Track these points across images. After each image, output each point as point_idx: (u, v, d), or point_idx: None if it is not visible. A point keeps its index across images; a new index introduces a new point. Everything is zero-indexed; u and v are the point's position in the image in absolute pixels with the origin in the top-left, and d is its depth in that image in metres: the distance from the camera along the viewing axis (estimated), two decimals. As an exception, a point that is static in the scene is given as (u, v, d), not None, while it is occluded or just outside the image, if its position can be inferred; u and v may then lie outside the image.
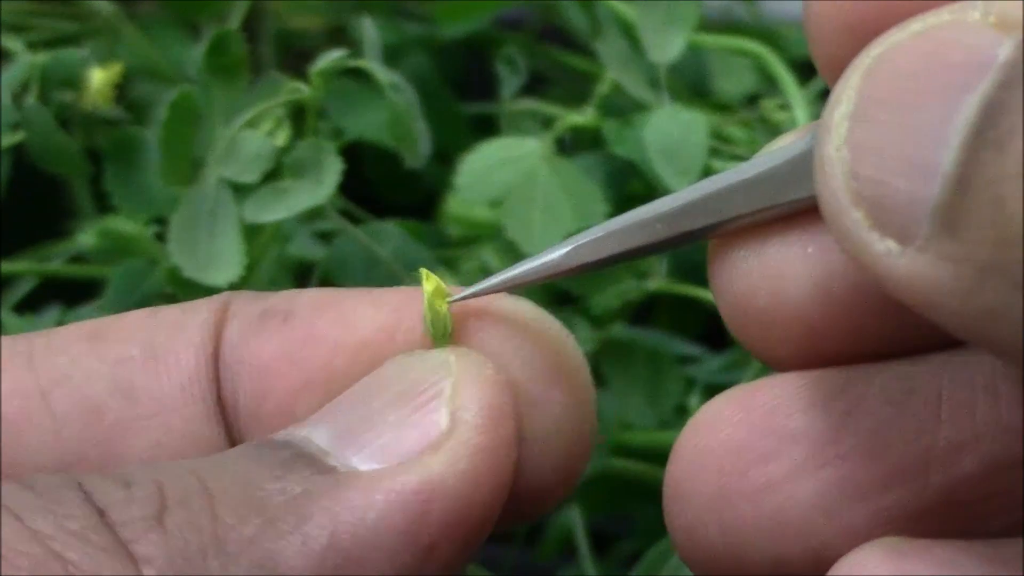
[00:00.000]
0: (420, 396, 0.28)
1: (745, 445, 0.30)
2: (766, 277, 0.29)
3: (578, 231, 0.43)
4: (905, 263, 0.24)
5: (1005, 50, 0.24)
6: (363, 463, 0.27)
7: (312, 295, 0.31)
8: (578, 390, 0.30)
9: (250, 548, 0.26)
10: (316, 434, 0.28)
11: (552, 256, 0.29)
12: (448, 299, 0.29)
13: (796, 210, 0.28)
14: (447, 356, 0.28)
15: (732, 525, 0.30)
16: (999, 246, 0.23)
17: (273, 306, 0.30)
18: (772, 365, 0.31)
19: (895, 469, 0.29)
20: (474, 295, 0.29)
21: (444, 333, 0.29)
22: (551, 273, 0.29)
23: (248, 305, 0.30)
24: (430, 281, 0.29)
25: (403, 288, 0.30)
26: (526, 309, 0.30)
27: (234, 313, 0.30)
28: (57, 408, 0.29)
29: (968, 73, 0.24)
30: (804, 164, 0.28)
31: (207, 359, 0.30)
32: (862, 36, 0.26)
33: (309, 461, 0.27)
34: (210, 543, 0.26)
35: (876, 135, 0.25)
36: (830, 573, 0.29)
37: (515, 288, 0.30)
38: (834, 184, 0.25)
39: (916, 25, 0.25)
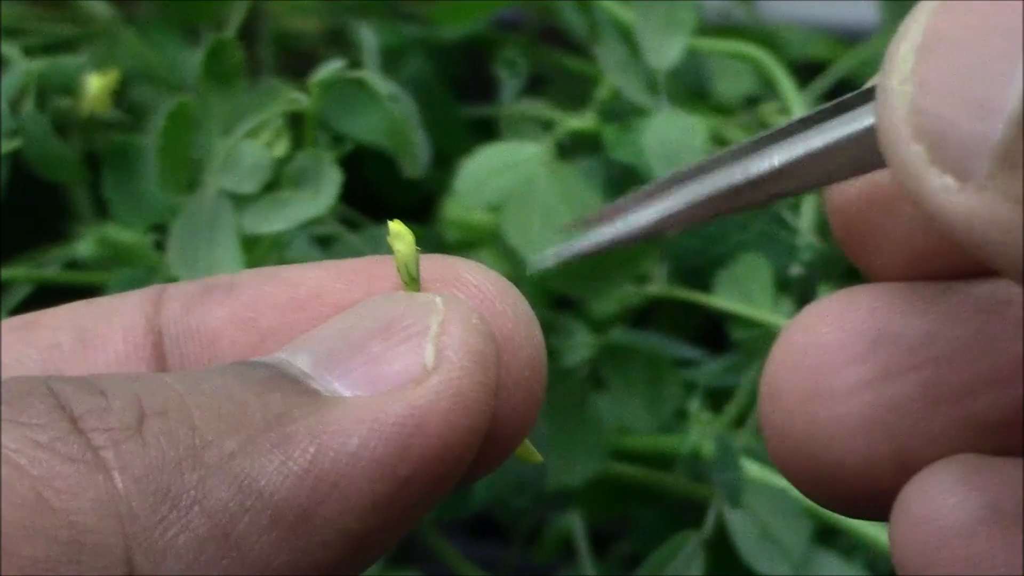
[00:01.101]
0: (405, 330, 0.28)
1: (840, 344, 0.30)
2: (876, 201, 0.30)
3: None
4: (963, 200, 0.24)
5: None
6: (346, 389, 0.27)
7: (253, 270, 0.31)
8: (535, 343, 0.30)
9: (229, 463, 0.26)
10: (296, 358, 0.28)
11: (640, 222, 0.29)
12: (549, 259, 0.30)
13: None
14: (433, 297, 0.28)
15: (822, 424, 0.30)
16: None
17: (215, 281, 0.30)
18: (877, 276, 0.31)
19: (986, 376, 0.29)
20: (577, 253, 0.29)
21: (413, 278, 0.29)
22: (653, 232, 0.29)
23: (186, 286, 0.31)
24: (396, 225, 0.29)
25: (349, 259, 0.31)
26: (491, 275, 0.30)
27: (172, 294, 0.30)
28: None
29: None
30: None
31: (139, 340, 0.30)
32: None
33: (291, 381, 0.27)
34: (187, 455, 0.26)
35: (942, 70, 0.25)
36: (905, 488, 0.29)
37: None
38: (895, 117, 0.25)
39: None
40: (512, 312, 0.29)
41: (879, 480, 0.30)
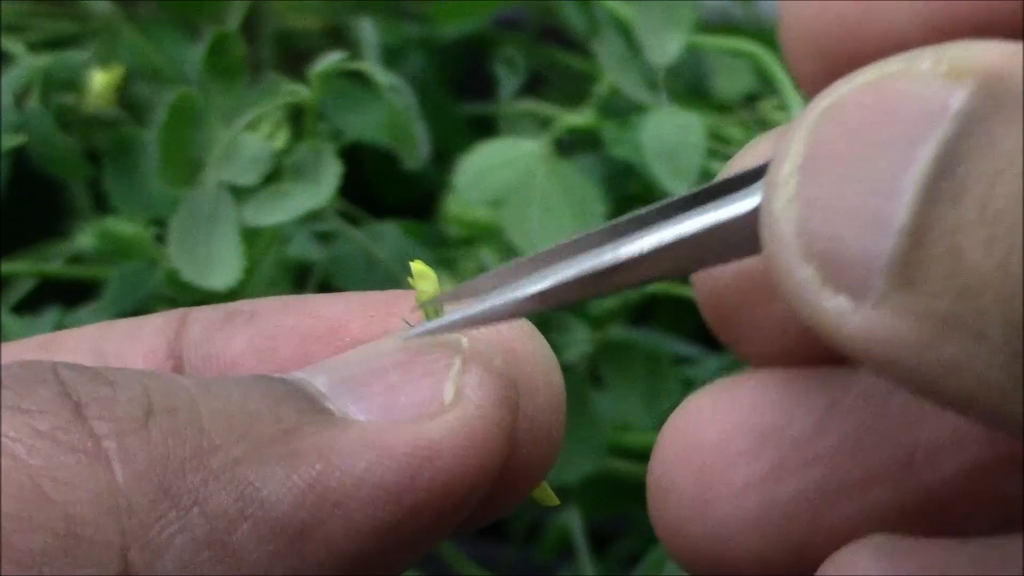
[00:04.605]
0: (427, 365, 0.28)
1: (726, 442, 0.30)
2: (747, 283, 0.29)
3: (576, 229, 0.44)
4: (859, 319, 0.24)
5: (958, 99, 0.23)
6: (360, 413, 0.27)
7: (276, 298, 0.31)
8: (554, 387, 0.30)
9: (234, 469, 0.26)
10: (315, 379, 0.28)
11: (517, 296, 0.28)
12: (407, 335, 0.29)
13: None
14: (458, 336, 0.28)
15: (714, 523, 0.30)
16: (959, 297, 0.23)
17: (237, 308, 0.30)
18: (754, 363, 0.31)
19: (876, 469, 0.29)
20: (432, 331, 0.29)
21: (435, 314, 0.29)
22: (513, 314, 0.28)
23: (208, 311, 0.31)
24: (419, 265, 0.30)
25: (371, 292, 0.31)
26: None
27: (195, 319, 0.30)
28: None
29: (920, 124, 0.23)
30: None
31: (160, 364, 0.30)
32: (837, 57, 0.26)
33: (306, 399, 0.27)
34: (193, 456, 0.26)
35: (826, 189, 0.24)
36: (819, 572, 0.29)
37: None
38: (783, 240, 0.25)
39: (864, 76, 0.24)
40: (532, 355, 0.29)
41: (781, 572, 0.29)
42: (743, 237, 0.26)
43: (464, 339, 0.28)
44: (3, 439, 0.25)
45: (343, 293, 0.31)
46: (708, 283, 0.30)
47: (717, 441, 0.30)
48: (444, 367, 0.28)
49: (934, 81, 0.24)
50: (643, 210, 0.27)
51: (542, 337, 0.30)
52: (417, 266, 0.29)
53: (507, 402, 0.28)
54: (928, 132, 0.23)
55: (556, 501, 0.31)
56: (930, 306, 0.23)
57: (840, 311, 0.24)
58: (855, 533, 0.29)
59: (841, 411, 0.29)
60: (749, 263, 0.28)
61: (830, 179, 0.24)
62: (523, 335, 0.29)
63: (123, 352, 0.30)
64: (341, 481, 0.26)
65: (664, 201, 0.27)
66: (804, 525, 0.29)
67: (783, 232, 0.25)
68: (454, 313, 0.29)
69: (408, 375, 0.28)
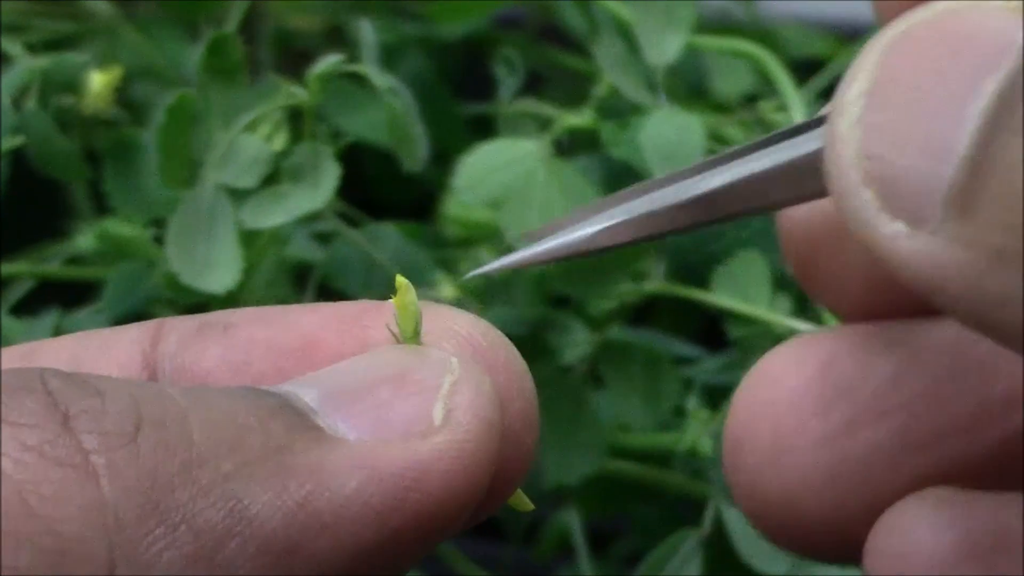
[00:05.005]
0: (417, 384, 0.28)
1: (802, 396, 0.30)
2: (828, 232, 0.30)
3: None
4: (915, 246, 0.24)
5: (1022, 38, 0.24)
6: (350, 431, 0.27)
7: (251, 309, 0.31)
8: (527, 396, 0.30)
9: (223, 485, 0.25)
10: (304, 392, 0.28)
11: (576, 236, 0.29)
12: (476, 272, 0.29)
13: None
14: (448, 356, 0.28)
15: (788, 476, 0.30)
16: (1013, 230, 0.23)
17: (212, 319, 0.30)
18: (836, 315, 0.31)
19: (952, 421, 0.29)
20: (500, 268, 0.29)
21: (415, 332, 0.29)
22: (572, 254, 0.29)
23: (184, 322, 0.30)
24: (400, 278, 0.29)
25: (344, 303, 0.30)
26: (484, 327, 0.30)
27: (170, 329, 0.30)
28: None
29: (987, 57, 0.24)
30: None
31: (135, 375, 0.30)
32: None
33: (297, 414, 0.27)
34: (181, 471, 0.25)
35: (891, 114, 0.25)
36: (878, 522, 0.29)
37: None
38: (845, 162, 0.25)
39: (937, 7, 0.25)
40: (504, 365, 0.29)
41: (852, 528, 0.30)
42: (817, 175, 0.26)
43: (454, 358, 0.28)
44: None
45: (318, 304, 0.30)
46: (793, 233, 0.30)
47: (793, 394, 0.30)
48: (434, 386, 0.28)
49: (1002, 17, 0.24)
50: (724, 151, 0.28)
51: (512, 345, 0.30)
52: (398, 280, 0.29)
53: (495, 426, 0.28)
54: (994, 65, 0.24)
55: (530, 506, 0.31)
56: (984, 236, 0.24)
57: (896, 236, 0.25)
58: (928, 486, 0.29)
59: (917, 365, 0.29)
60: (828, 207, 0.28)
61: (895, 105, 0.24)
62: (494, 345, 0.29)
63: (99, 363, 0.30)
64: (330, 501, 0.26)
65: (744, 144, 0.28)
66: (877, 478, 0.29)
67: (845, 154, 0.25)
68: (534, 247, 0.29)
69: (398, 392, 0.28)
